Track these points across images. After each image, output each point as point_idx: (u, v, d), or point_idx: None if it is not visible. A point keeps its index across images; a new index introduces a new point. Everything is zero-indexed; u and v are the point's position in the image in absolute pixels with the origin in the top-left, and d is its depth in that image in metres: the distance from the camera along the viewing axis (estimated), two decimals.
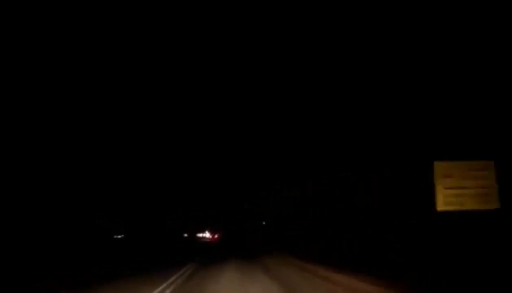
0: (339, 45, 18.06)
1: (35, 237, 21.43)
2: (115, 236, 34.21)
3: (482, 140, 10.89)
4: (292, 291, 8.63)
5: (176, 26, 23.30)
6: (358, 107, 18.00)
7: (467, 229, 9.90)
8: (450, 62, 12.23)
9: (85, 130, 26.57)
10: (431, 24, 12.91)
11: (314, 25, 19.05)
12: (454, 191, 9.43)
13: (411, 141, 13.87)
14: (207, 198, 54.31)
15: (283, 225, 34.05)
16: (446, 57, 12.30)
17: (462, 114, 11.63)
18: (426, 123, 13.32)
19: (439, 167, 9.58)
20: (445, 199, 9.40)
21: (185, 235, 56.59)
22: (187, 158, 43.52)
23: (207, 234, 61.69)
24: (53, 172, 24.53)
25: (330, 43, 18.70)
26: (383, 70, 15.88)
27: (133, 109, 30.14)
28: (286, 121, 27.26)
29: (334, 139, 20.90)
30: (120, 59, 25.05)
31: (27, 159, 22.32)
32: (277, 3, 18.83)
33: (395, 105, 14.84)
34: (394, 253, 12.23)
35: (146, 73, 27.26)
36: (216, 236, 55.77)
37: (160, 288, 9.31)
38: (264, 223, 46.13)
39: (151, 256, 20.68)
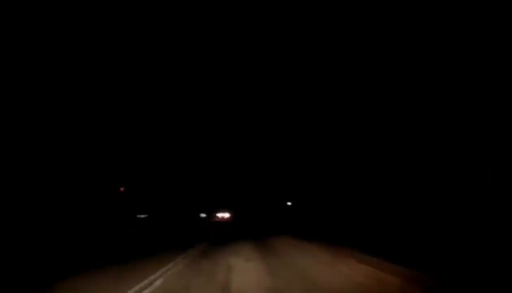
0: (339, 46, 18.14)
1: (57, 221, 23.09)
2: (138, 216, 35.97)
3: (480, 141, 11.20)
4: None
5: (176, 27, 23.74)
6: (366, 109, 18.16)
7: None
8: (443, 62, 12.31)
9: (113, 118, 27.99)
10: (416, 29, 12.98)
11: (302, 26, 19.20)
12: None
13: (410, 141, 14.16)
14: (228, 178, 55.82)
15: (309, 207, 34.07)
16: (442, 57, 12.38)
17: (459, 114, 11.80)
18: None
19: None
20: None
21: (203, 215, 58.45)
22: (210, 141, 44.83)
23: (226, 214, 63.07)
24: (78, 155, 26.12)
25: (330, 45, 18.79)
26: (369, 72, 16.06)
27: (165, 102, 31.33)
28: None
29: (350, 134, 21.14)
30: (122, 61, 25.86)
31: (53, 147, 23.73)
32: (277, 4, 19.02)
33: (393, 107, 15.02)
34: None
35: (163, 77, 28.10)
36: (233, 216, 57.20)
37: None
38: (289, 203, 45.62)
39: (172, 234, 22.17)
